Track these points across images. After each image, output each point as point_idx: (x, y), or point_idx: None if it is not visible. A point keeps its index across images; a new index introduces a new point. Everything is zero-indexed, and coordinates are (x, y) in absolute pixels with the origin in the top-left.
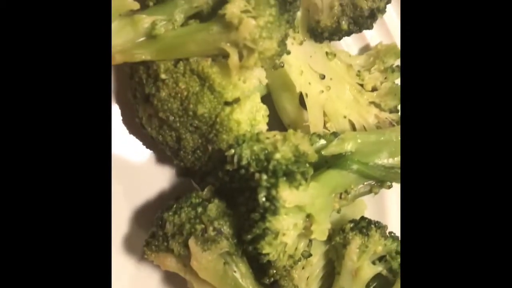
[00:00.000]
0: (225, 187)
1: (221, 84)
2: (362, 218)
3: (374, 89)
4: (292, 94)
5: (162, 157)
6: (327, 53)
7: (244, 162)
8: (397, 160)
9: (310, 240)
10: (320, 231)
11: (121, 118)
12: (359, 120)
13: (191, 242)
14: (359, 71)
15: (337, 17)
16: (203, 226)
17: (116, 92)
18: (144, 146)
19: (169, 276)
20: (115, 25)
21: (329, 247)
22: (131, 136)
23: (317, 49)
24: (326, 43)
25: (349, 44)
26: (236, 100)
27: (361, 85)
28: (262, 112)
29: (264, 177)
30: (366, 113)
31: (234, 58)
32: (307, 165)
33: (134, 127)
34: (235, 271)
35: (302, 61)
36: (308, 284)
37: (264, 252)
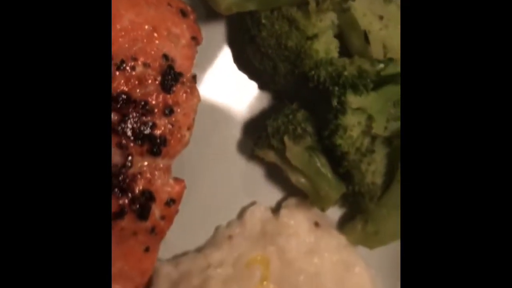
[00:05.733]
0: (308, 102)
1: (304, 24)
2: None
3: None
4: (358, 32)
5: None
6: None
7: (321, 79)
8: None
9: (373, 138)
10: (378, 127)
11: (232, 59)
12: None
13: (286, 138)
14: None
15: None
16: (293, 126)
17: (228, 36)
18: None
19: (270, 169)
20: None
21: (391, 150)
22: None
23: None
24: None
25: None
26: (315, 35)
27: None
28: (334, 45)
29: (336, 88)
30: None
31: (313, 4)
32: (368, 80)
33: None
34: (317, 161)
35: (365, 5)
36: (373, 176)
37: (337, 143)
